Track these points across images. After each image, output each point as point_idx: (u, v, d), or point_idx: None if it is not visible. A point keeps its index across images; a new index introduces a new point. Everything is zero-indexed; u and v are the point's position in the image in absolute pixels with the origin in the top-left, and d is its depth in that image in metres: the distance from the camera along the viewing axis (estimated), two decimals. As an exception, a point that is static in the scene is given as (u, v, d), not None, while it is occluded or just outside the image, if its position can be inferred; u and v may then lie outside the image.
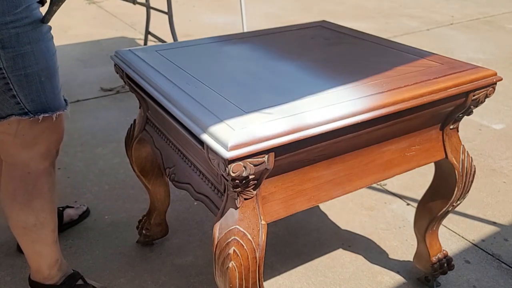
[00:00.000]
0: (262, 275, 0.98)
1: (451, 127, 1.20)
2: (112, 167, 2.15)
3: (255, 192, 0.93)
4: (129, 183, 2.03)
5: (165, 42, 3.54)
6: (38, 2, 1.14)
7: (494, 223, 1.78)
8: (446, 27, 4.40)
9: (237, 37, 1.42)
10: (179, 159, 1.16)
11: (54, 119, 1.20)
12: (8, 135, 1.19)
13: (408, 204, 1.90)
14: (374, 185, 2.01)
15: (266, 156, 0.86)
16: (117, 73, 1.31)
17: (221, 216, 0.95)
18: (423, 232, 1.40)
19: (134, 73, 1.17)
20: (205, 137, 0.86)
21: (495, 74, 1.13)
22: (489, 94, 1.14)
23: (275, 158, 0.88)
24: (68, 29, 4.42)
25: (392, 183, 2.03)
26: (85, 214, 1.81)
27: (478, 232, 1.73)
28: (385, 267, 1.57)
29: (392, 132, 1.09)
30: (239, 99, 0.97)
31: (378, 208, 1.87)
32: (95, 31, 4.35)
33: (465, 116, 1.19)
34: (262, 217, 0.95)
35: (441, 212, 1.33)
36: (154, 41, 3.83)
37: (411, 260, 1.57)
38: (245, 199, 0.93)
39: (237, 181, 0.87)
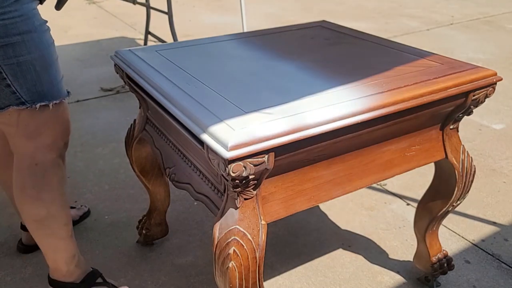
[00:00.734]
0: (262, 275, 0.98)
1: (451, 127, 1.20)
2: (112, 167, 2.15)
3: (255, 192, 0.93)
4: (129, 183, 2.03)
5: (165, 42, 3.54)
6: None
7: (494, 223, 1.78)
8: (446, 27, 4.40)
9: (237, 37, 1.42)
10: (179, 159, 1.17)
11: (51, 107, 1.21)
12: (11, 126, 1.21)
13: (408, 204, 1.90)
14: (374, 185, 2.01)
15: (266, 156, 0.86)
16: (117, 73, 1.31)
17: (221, 216, 0.95)
18: (423, 232, 1.40)
19: (134, 73, 1.17)
20: (205, 137, 0.86)
21: (495, 74, 1.13)
22: (489, 94, 1.14)
23: (275, 158, 0.88)
24: (68, 29, 4.42)
25: (392, 183, 2.03)
26: (86, 215, 1.81)
27: (478, 232, 1.73)
28: (385, 267, 1.57)
29: (392, 132, 1.09)
30: (239, 99, 0.97)
31: (378, 208, 1.87)
32: (95, 31, 4.36)
33: (465, 116, 1.19)
34: (262, 217, 0.95)
35: (441, 212, 1.33)
36: (154, 41, 3.83)
37: (411, 260, 1.57)
38: (245, 199, 0.93)
39: (237, 181, 0.87)
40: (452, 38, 4.08)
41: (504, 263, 1.58)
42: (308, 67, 1.16)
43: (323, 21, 1.59)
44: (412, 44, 3.80)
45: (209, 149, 0.86)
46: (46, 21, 1.21)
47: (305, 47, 1.33)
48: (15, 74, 1.14)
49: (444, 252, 1.44)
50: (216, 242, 0.94)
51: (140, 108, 1.35)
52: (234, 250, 0.92)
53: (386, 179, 1.16)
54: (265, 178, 0.94)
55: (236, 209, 0.93)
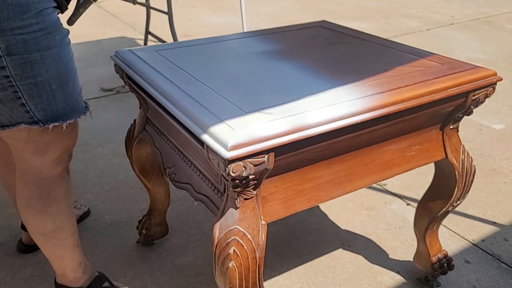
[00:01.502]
0: (262, 275, 0.98)
1: (451, 127, 1.20)
2: (112, 167, 2.15)
3: (255, 192, 0.93)
4: (129, 183, 2.03)
5: (165, 42, 3.54)
6: (55, 7, 1.09)
7: (494, 223, 1.78)
8: (446, 27, 4.40)
9: (237, 37, 1.42)
10: (179, 159, 1.16)
11: (65, 128, 1.16)
12: (19, 141, 1.16)
13: (408, 204, 1.90)
14: (374, 185, 2.01)
15: (266, 156, 0.86)
16: (117, 73, 1.31)
17: (221, 216, 0.95)
18: (423, 232, 1.40)
19: (134, 73, 1.17)
20: (205, 137, 0.86)
21: (495, 74, 1.13)
22: (489, 94, 1.14)
23: (275, 158, 0.88)
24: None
25: (392, 183, 2.03)
26: (86, 214, 1.81)
27: (478, 232, 1.73)
28: (385, 267, 1.57)
29: (392, 132, 1.09)
30: (239, 99, 0.97)
31: (378, 208, 1.87)
32: (95, 31, 4.36)
33: (465, 116, 1.19)
34: (262, 217, 0.95)
35: (441, 212, 1.33)
36: (154, 41, 3.83)
37: (411, 260, 1.57)
38: (245, 199, 0.93)
39: (237, 181, 0.87)
40: (452, 38, 4.08)
41: (504, 263, 1.58)
42: (308, 67, 1.16)
43: (323, 21, 1.59)
44: (412, 44, 3.81)
45: (209, 149, 0.86)
46: (68, 32, 1.13)
47: (305, 47, 1.33)
48: (31, 94, 1.07)
49: (444, 252, 1.44)
50: (216, 242, 0.94)
51: (140, 108, 1.35)
52: (234, 250, 0.92)
53: (386, 179, 1.16)
54: (265, 178, 0.94)
55: (236, 209, 0.93)
